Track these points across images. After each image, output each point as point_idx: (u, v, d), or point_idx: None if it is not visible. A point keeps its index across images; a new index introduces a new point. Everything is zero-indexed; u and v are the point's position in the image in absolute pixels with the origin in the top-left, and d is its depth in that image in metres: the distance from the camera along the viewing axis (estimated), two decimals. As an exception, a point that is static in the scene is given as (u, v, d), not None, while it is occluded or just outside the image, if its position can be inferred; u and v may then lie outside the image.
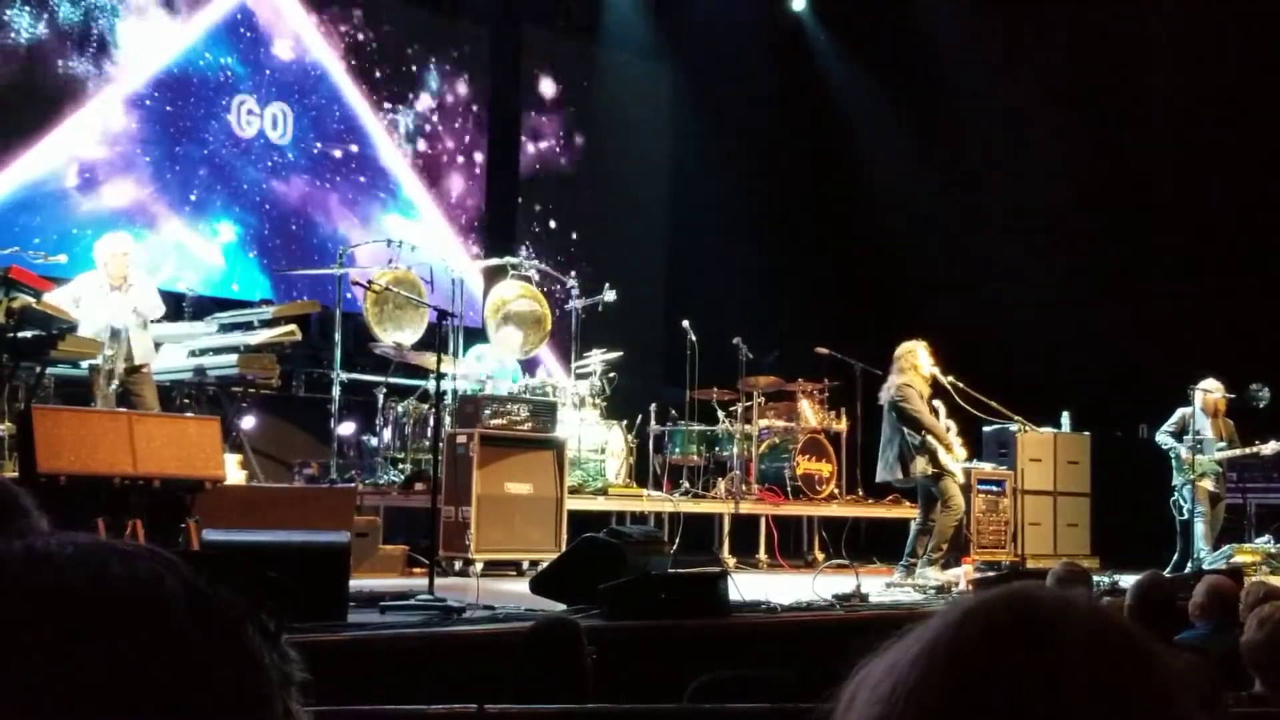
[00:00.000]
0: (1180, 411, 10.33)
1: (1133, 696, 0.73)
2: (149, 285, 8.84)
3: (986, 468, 10.40)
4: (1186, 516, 10.16)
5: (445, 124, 14.06)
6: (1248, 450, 10.27)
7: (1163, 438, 10.38)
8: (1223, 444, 10.27)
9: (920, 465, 8.84)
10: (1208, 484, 10.18)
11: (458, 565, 8.47)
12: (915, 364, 8.97)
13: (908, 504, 10.29)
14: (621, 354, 10.67)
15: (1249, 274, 12.49)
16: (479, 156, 14.34)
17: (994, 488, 10.18)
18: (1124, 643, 0.75)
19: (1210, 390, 10.26)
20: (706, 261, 14.22)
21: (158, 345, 9.37)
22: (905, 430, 8.88)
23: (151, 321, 8.73)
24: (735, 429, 11.03)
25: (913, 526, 9.12)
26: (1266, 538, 10.18)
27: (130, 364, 8.43)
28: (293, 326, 9.63)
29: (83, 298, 8.27)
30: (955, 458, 9.00)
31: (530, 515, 8.78)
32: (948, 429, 9.19)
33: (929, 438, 8.83)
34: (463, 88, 14.22)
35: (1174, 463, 10.28)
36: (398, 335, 10.41)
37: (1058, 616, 0.75)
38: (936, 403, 9.27)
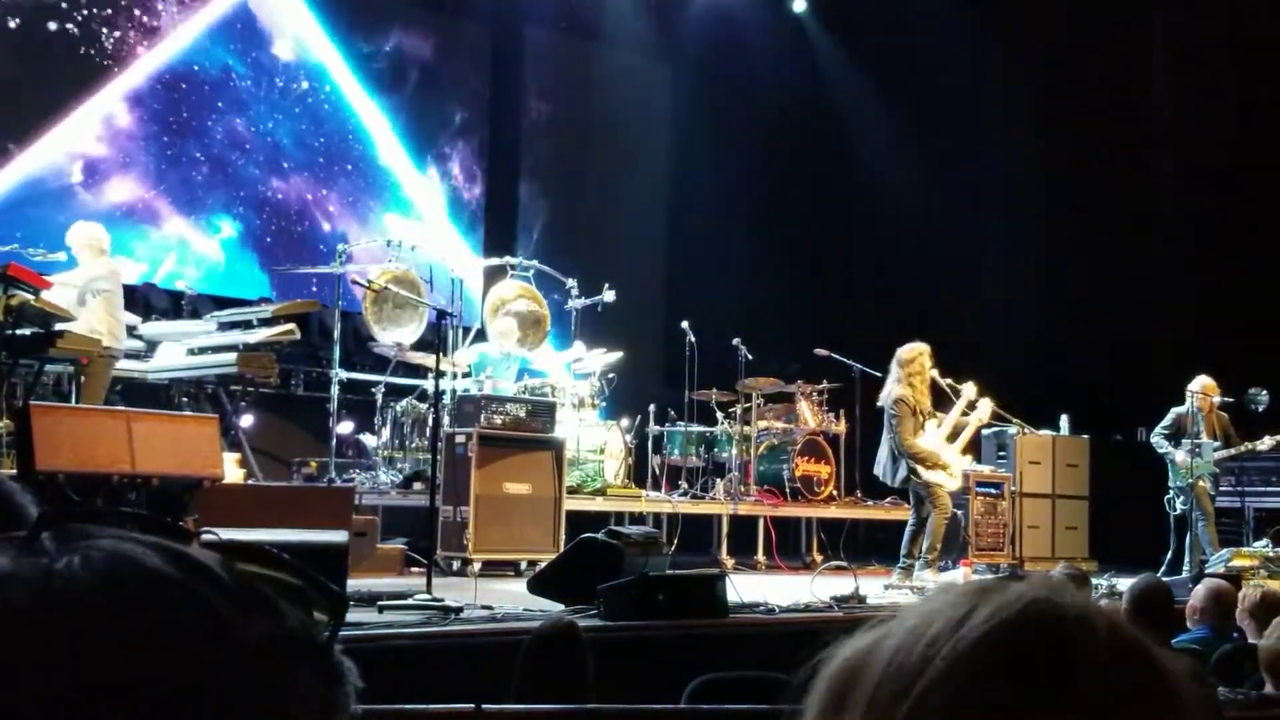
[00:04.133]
0: (1174, 412, 10.27)
1: (1151, 708, 0.72)
2: (93, 266, 8.51)
3: (985, 470, 10.39)
4: (1180, 513, 10.13)
5: (446, 123, 14.06)
6: (1244, 447, 10.22)
7: (1157, 440, 10.32)
8: (1218, 443, 10.22)
9: (903, 474, 8.88)
10: (1207, 485, 10.15)
11: (456, 565, 8.46)
12: (921, 369, 8.90)
13: (906, 505, 10.28)
14: (621, 355, 10.66)
15: (1249, 276, 12.49)
16: (479, 156, 14.34)
17: (992, 490, 10.17)
18: (1140, 654, 0.74)
19: (1199, 391, 10.20)
20: (706, 262, 14.21)
21: (153, 345, 9.36)
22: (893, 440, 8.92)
23: (99, 289, 8.33)
24: (734, 430, 11.03)
25: (907, 528, 9.12)
26: (1265, 541, 10.16)
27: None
28: (292, 325, 9.62)
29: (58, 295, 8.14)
30: (950, 474, 8.89)
31: (529, 515, 8.77)
32: (966, 418, 9.14)
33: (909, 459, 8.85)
34: (464, 87, 14.22)
35: (1170, 466, 10.23)
36: (397, 334, 10.41)
37: (1079, 632, 0.73)
38: (981, 397, 9.19)
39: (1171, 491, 10.21)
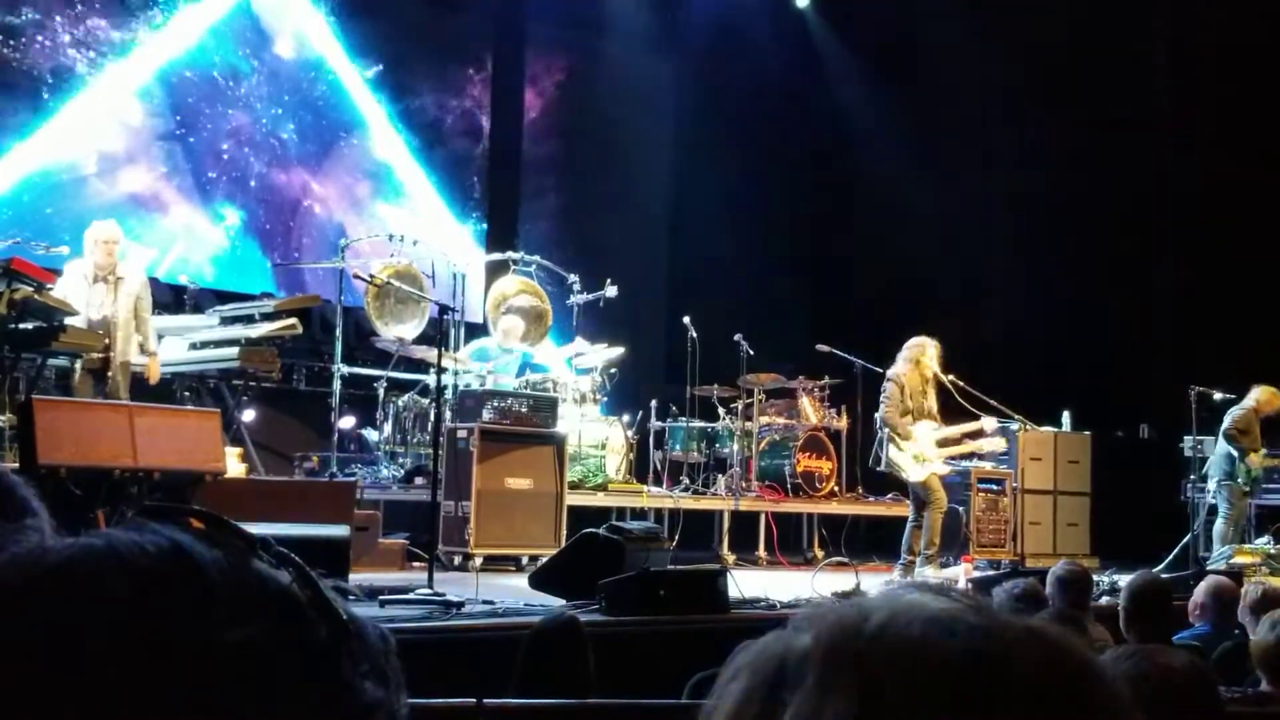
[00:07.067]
0: (1242, 413, 10.17)
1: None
2: (143, 279, 8.60)
3: (986, 466, 10.39)
4: (1214, 513, 10.18)
5: (447, 117, 14.05)
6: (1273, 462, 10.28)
7: (1231, 440, 10.23)
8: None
9: (883, 455, 9.04)
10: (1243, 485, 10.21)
11: (457, 560, 8.47)
12: (918, 357, 8.98)
13: (907, 502, 10.29)
14: (622, 350, 10.67)
15: (1251, 273, 12.48)
16: (481, 150, 14.33)
17: (994, 486, 10.17)
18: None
19: (1266, 400, 10.18)
20: (708, 258, 14.21)
21: (159, 338, 9.34)
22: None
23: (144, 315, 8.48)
24: (735, 426, 11.03)
25: (908, 525, 9.13)
26: (1266, 539, 10.17)
27: (112, 358, 8.15)
28: (293, 320, 9.63)
29: (68, 290, 8.00)
30: (913, 460, 8.93)
31: (530, 510, 8.78)
32: (966, 442, 9.19)
33: (885, 431, 8.99)
34: (465, 81, 14.21)
35: (1235, 461, 10.12)
36: (399, 329, 10.41)
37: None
38: (992, 436, 9.27)
39: (1214, 486, 10.21)
